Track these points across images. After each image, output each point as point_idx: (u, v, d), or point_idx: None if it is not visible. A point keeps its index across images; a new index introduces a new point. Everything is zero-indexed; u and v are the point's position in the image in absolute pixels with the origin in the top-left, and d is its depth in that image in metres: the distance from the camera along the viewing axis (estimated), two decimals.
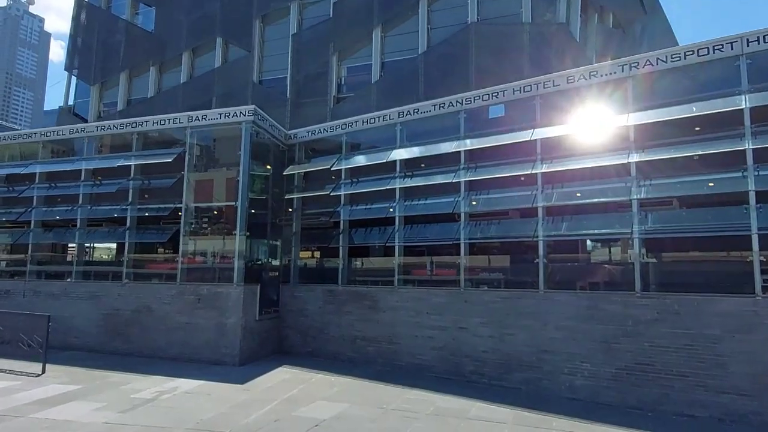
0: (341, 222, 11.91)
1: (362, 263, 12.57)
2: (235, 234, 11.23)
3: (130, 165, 12.34)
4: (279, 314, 12.19)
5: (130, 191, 12.37)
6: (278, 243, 12.99)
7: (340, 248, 11.82)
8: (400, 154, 11.10)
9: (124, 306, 11.73)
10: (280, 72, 18.74)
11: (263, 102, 16.04)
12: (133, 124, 12.65)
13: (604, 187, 9.06)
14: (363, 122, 11.84)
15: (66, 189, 13.19)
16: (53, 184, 13.45)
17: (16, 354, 10.03)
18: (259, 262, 12.30)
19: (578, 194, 9.35)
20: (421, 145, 10.96)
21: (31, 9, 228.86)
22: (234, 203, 11.43)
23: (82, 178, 12.94)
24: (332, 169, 11.83)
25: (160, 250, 13.75)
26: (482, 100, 10.33)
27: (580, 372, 8.59)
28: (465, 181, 10.29)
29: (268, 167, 12.86)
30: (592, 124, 9.19)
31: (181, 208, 11.75)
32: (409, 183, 10.96)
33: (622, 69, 9.06)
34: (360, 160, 11.71)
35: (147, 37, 21.92)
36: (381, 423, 7.00)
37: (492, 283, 10.17)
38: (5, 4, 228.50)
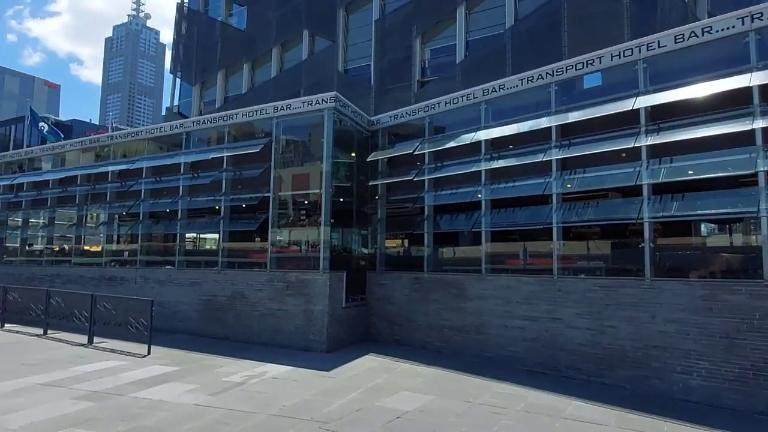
0: (425, 208, 11.55)
1: (449, 250, 12.13)
2: (320, 222, 11.29)
3: (222, 156, 12.86)
4: (366, 302, 12.13)
5: (224, 182, 12.90)
6: (364, 230, 12.93)
7: (425, 235, 11.47)
8: (485, 134, 10.48)
9: (221, 292, 12.28)
10: (364, 60, 18.72)
11: (348, 90, 16.09)
12: (225, 118, 13.16)
13: (722, 160, 7.83)
14: (446, 103, 11.33)
15: (168, 182, 14.07)
16: (158, 178, 14.40)
17: (127, 336, 10.86)
18: (345, 250, 12.31)
19: (690, 171, 8.18)
20: (507, 124, 10.24)
21: (149, 23, 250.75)
22: (318, 191, 11.49)
23: (182, 171, 13.73)
24: (415, 153, 11.48)
25: (257, 239, 14.27)
26: (575, 69, 9.39)
27: (696, 371, 7.56)
28: (557, 159, 9.46)
29: (353, 155, 12.81)
30: (707, 87, 7.97)
31: (269, 197, 12.02)
32: (496, 164, 10.31)
33: (743, 22, 7.74)
34: (443, 143, 11.23)
35: (240, 36, 22.92)
36: (467, 418, 6.59)
37: (589, 270, 9.29)
38: (126, 21, 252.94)
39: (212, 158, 12.98)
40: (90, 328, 11.35)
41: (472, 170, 10.55)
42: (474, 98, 10.83)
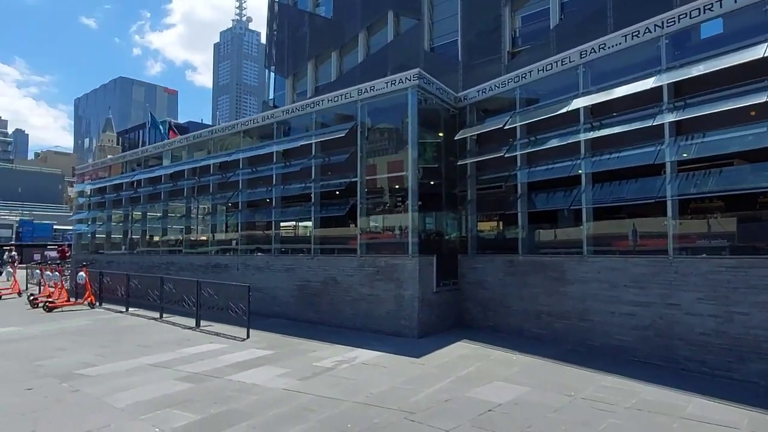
0: (518, 186, 10.79)
1: (545, 230, 11.28)
2: (408, 205, 10.99)
3: (311, 143, 12.98)
4: (458, 286, 11.68)
5: (313, 169, 13.04)
6: (454, 213, 12.43)
7: (519, 215, 10.73)
8: (583, 101, 9.47)
9: (314, 278, 12.48)
10: (450, 36, 18.01)
11: (435, 69, 15.54)
12: (311, 105, 13.26)
13: None
14: (538, 71, 10.43)
15: (263, 172, 14.54)
16: (254, 169, 14.94)
17: (229, 320, 11.41)
18: (435, 233, 11.91)
19: None
20: (609, 88, 9.16)
21: (250, 26, 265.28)
22: (405, 173, 11.17)
23: (274, 160, 14.11)
24: (506, 128, 10.73)
25: (350, 225, 14.33)
26: (690, 18, 8.10)
27: None
28: (671, 122, 8.29)
29: (440, 134, 12.32)
30: None
31: (356, 182, 11.93)
32: (597, 133, 9.29)
33: None
34: (536, 115, 10.34)
35: (327, 25, 23.15)
36: (566, 414, 5.97)
37: (712, 250, 8.07)
38: (231, 26, 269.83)
39: (301, 146, 13.17)
40: (197, 313, 12.09)
41: (570, 142, 9.62)
42: (570, 62, 9.83)
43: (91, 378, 7.54)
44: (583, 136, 9.48)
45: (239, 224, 15.20)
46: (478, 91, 11.94)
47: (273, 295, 13.26)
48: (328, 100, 12.74)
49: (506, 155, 10.73)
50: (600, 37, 9.46)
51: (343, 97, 12.31)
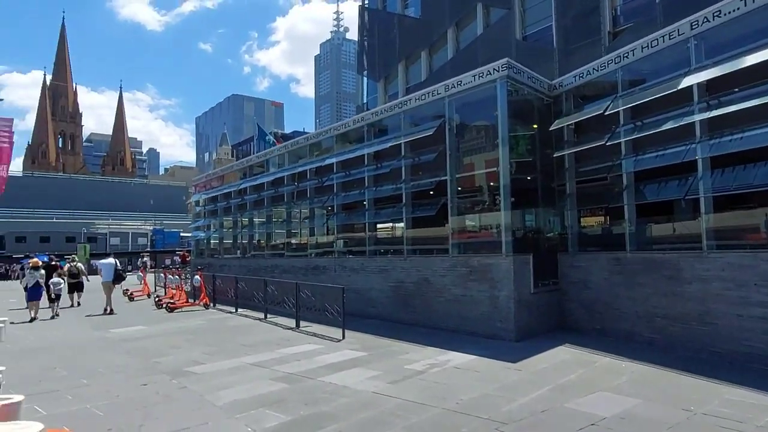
0: (624, 176, 9.86)
1: (656, 224, 10.19)
2: (500, 202, 10.51)
3: (399, 144, 12.93)
4: (558, 286, 10.96)
5: (403, 169, 12.98)
6: (552, 208, 11.69)
7: (625, 208, 9.80)
8: (696, 77, 8.40)
9: (407, 279, 12.39)
10: (543, 22, 17.03)
11: (528, 58, 14.80)
12: (399, 105, 13.20)
13: None
14: (642, 48, 9.45)
15: (355, 175, 14.76)
16: (347, 172, 15.23)
17: (326, 321, 11.69)
18: (531, 231, 11.28)
19: None
20: (726, 61, 8.03)
21: (348, 35, 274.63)
22: (495, 169, 10.69)
23: (366, 162, 14.26)
24: (606, 113, 9.86)
25: (444, 224, 14.10)
26: None
27: None
28: None
29: (533, 126, 11.66)
30: None
31: (446, 180, 11.66)
32: (716, 112, 8.19)
33: None
34: (642, 97, 9.37)
35: (416, 25, 23.06)
36: (685, 431, 5.26)
37: None
38: (330, 37, 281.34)
39: (391, 146, 13.17)
40: (296, 314, 12.54)
41: (683, 124, 8.58)
42: (679, 35, 8.78)
43: (197, 376, 8.04)
44: (698, 117, 8.41)
45: (335, 227, 15.58)
46: (575, 77, 11.12)
47: (368, 296, 13.39)
48: (416, 99, 12.61)
49: (608, 143, 9.86)
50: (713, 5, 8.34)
51: (430, 94, 12.10)
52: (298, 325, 12.31)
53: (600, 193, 10.88)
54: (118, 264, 17.35)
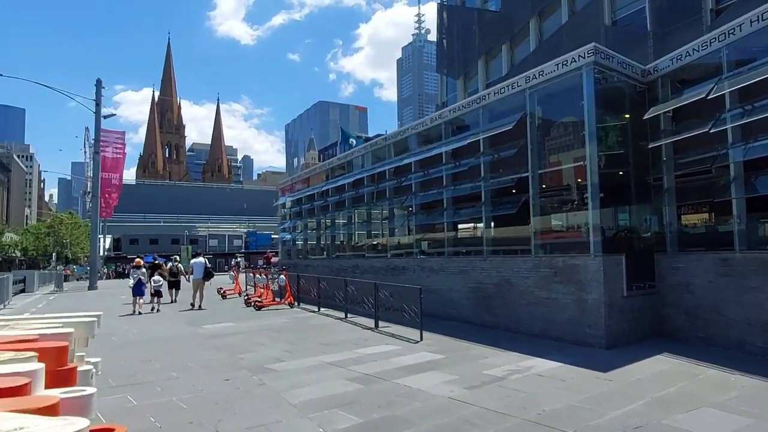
0: (731, 167, 8.79)
1: None
2: (587, 197, 9.79)
3: (478, 140, 12.50)
4: (655, 290, 10.01)
5: (481, 166, 12.54)
6: (646, 204, 10.72)
7: (734, 202, 8.73)
8: None
9: (487, 280, 11.94)
10: (635, 4, 15.73)
11: (619, 44, 13.77)
12: (477, 100, 12.78)
13: None
14: (751, 22, 8.36)
15: (433, 174, 14.51)
16: (426, 171, 15.01)
17: (404, 321, 11.55)
18: (623, 229, 10.41)
19: None
20: None
21: (429, 37, 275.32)
22: (582, 163, 9.98)
23: (444, 161, 13.96)
24: (710, 97, 8.84)
25: (523, 222, 13.48)
26: None
27: None
28: None
29: (625, 115, 10.77)
30: None
31: (527, 177, 11.08)
32: None
33: None
34: (752, 77, 8.27)
35: (496, 18, 22.34)
36: None
37: None
38: (411, 41, 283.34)
39: (469, 143, 12.77)
40: (375, 314, 12.51)
41: None
42: None
43: (277, 373, 8.20)
44: None
45: (414, 227, 15.42)
46: (672, 60, 10.12)
47: (448, 297, 13.08)
48: (495, 93, 12.13)
49: (712, 130, 8.83)
50: None
51: (510, 87, 11.58)
52: (376, 326, 12.28)
53: (703, 187, 9.81)
54: (208, 263, 18.80)
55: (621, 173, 10.48)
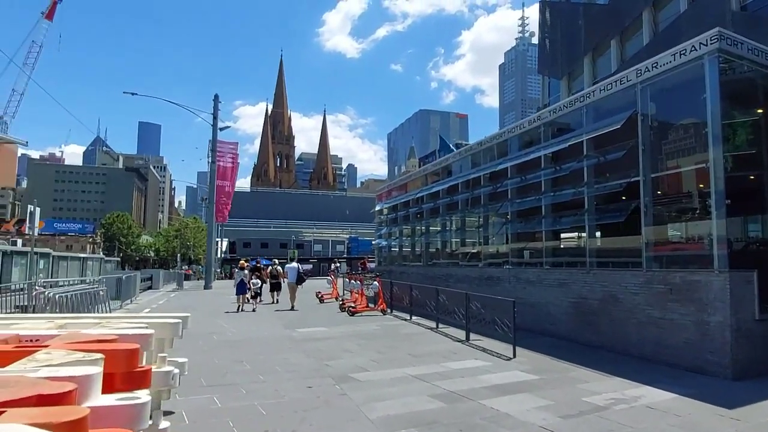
0: None
1: None
2: (710, 205, 8.55)
3: (581, 141, 11.51)
4: None
5: (585, 170, 11.53)
6: None
7: None
8: None
9: (590, 294, 10.92)
10: None
11: (750, 31, 12.06)
12: (581, 99, 11.78)
13: None
14: None
15: (530, 179, 13.66)
16: (523, 177, 14.19)
17: (496, 335, 10.91)
18: (755, 242, 8.95)
19: None
20: None
21: (533, 40, 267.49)
22: (704, 166, 8.74)
23: (542, 165, 13.08)
24: None
25: (631, 233, 12.19)
26: None
27: None
28: None
29: (757, 110, 9.31)
30: None
31: (638, 181, 9.97)
32: None
33: None
34: None
35: (604, 12, 20.81)
36: None
37: None
38: (514, 45, 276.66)
39: (570, 146, 11.80)
40: (466, 326, 11.98)
41: None
42: None
43: (359, 383, 8.03)
44: None
45: (509, 235, 14.63)
46: None
47: (545, 311, 12.18)
48: (600, 90, 11.11)
49: None
50: None
51: (618, 82, 10.53)
52: (467, 338, 11.74)
53: None
54: (301, 268, 20.13)
55: (752, 177, 9.05)
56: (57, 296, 9.26)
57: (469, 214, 17.80)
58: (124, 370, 4.00)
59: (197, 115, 37.01)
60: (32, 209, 15.94)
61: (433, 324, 14.01)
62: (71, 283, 20.84)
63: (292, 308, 18.94)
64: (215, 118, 36.46)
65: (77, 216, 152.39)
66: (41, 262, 33.63)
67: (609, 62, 19.61)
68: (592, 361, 9.23)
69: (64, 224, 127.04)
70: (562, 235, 14.17)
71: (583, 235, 12.63)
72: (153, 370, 5.60)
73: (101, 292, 11.05)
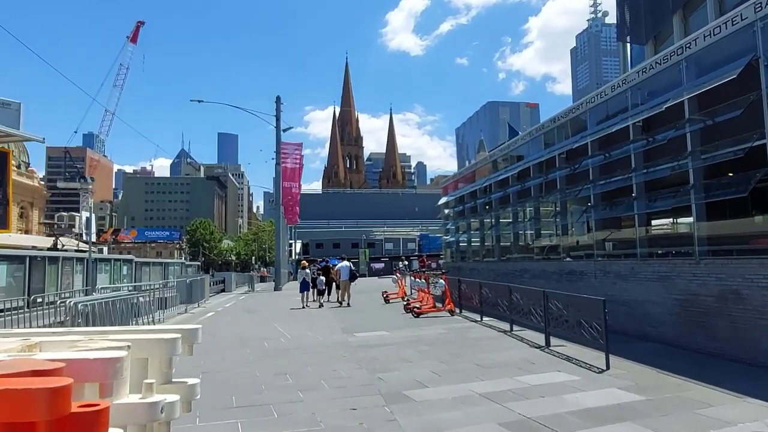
0: None
1: None
2: None
3: (682, 101, 9.38)
4: None
5: (688, 137, 9.40)
6: None
7: None
8: None
9: (702, 290, 8.82)
10: None
11: None
12: (680, 50, 9.65)
13: None
14: None
15: (617, 155, 11.60)
16: (607, 154, 12.14)
17: (583, 340, 9.08)
18: None
19: None
20: None
21: (606, 20, 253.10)
22: None
23: (631, 137, 11.00)
24: None
25: (756, 213, 9.85)
26: None
27: None
28: None
29: None
30: None
31: (762, 147, 7.81)
32: None
33: None
34: None
35: None
36: None
37: None
38: (587, 27, 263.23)
39: (666, 109, 9.68)
40: (545, 329, 10.22)
41: None
42: None
43: (414, 404, 6.64)
44: None
45: (593, 222, 12.59)
46: None
47: (642, 311, 10.15)
48: (705, 37, 8.97)
49: None
50: None
51: (730, 23, 8.37)
52: (547, 344, 9.98)
53: None
54: (352, 266, 20.97)
55: None
56: (80, 306, 8.59)
57: (544, 202, 15.83)
58: (45, 416, 2.83)
59: (259, 117, 37.23)
60: (86, 216, 15.91)
61: (506, 326, 12.31)
62: (120, 289, 20.89)
63: (347, 305, 19.62)
64: (278, 119, 36.39)
65: (165, 224, 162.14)
66: (124, 269, 34.95)
67: (705, 18, 16.69)
68: (713, 376, 7.25)
69: (153, 232, 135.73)
70: (658, 221, 12.01)
71: (685, 219, 10.47)
72: (134, 401, 4.43)
73: (141, 299, 10.38)
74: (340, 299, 20.22)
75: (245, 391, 7.38)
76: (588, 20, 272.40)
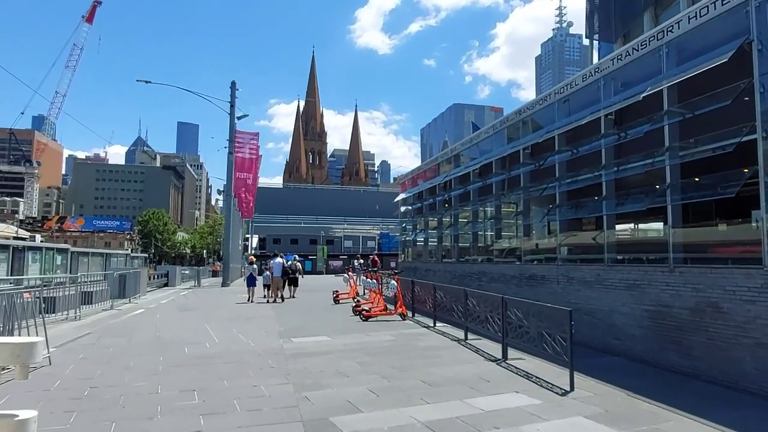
0: None
1: None
2: None
3: (661, 89, 8.42)
4: None
5: (666, 131, 8.46)
6: None
7: None
8: None
9: (676, 302, 7.88)
10: None
11: None
12: (661, 34, 8.70)
13: None
14: None
15: (586, 150, 10.63)
16: (575, 150, 11.17)
17: (543, 353, 7.98)
18: None
19: None
20: None
21: (571, 30, 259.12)
22: None
23: (602, 130, 10.03)
24: None
25: (752, 216, 9.03)
26: None
27: None
28: None
29: None
30: None
31: (752, 141, 6.89)
32: None
33: None
34: None
35: None
36: None
37: None
38: (551, 35, 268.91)
39: (644, 98, 8.70)
40: (503, 339, 9.10)
41: None
42: None
43: None
44: None
45: (558, 223, 11.61)
46: None
47: (608, 321, 9.19)
48: (690, 18, 8.03)
49: None
50: None
51: (720, 3, 7.43)
52: (504, 356, 8.88)
53: None
54: (285, 263, 20.38)
55: None
56: None
57: (506, 201, 14.82)
58: None
59: (212, 102, 35.17)
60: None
61: (461, 334, 11.19)
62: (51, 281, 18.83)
63: (282, 300, 19.92)
64: (232, 106, 34.41)
65: (117, 213, 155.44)
66: (58, 258, 32.24)
67: (678, 13, 16.14)
68: (690, 402, 6.24)
69: (102, 222, 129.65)
70: (623, 226, 11.13)
71: (658, 222, 9.59)
72: None
73: (26, 296, 8.63)
74: (268, 298, 20.14)
75: (132, 416, 5.90)
76: (553, 29, 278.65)
